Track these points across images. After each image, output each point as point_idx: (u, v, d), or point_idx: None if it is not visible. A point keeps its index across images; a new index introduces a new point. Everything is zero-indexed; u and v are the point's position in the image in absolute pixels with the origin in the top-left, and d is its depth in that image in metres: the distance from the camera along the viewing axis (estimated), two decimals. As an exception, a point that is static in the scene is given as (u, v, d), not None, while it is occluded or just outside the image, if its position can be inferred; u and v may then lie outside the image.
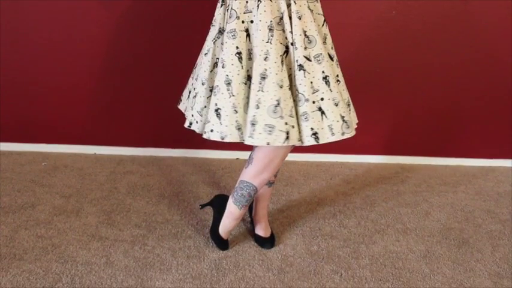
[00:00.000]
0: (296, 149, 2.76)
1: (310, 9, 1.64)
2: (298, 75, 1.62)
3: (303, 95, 1.62)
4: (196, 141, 2.58)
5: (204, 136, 1.69)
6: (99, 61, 2.64)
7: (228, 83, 1.63)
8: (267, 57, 1.60)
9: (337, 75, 1.77)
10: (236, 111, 1.63)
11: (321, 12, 1.71)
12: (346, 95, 1.81)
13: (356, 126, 1.83)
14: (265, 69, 1.60)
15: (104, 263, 1.87)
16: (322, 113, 1.63)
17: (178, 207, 2.29)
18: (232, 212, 1.91)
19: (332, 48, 1.76)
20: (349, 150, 2.84)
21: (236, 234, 2.09)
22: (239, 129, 1.65)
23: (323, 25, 1.71)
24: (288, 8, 1.61)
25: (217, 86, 1.65)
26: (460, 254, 2.04)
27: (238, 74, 1.63)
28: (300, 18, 1.61)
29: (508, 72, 2.71)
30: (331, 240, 2.08)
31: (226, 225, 1.95)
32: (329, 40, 1.74)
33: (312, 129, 1.63)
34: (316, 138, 1.63)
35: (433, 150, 2.88)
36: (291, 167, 2.74)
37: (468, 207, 2.41)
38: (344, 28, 2.62)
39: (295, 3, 1.61)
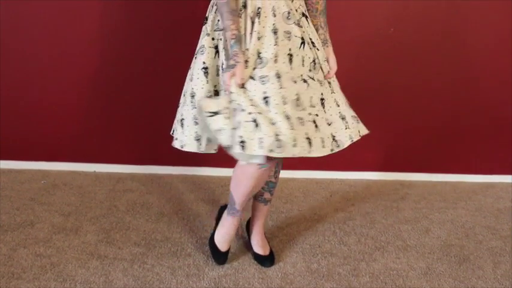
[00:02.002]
0: (295, 166, 2.76)
1: (274, 32, 1.66)
2: (240, 90, 1.65)
3: (240, 105, 1.62)
4: (196, 158, 2.57)
5: (172, 144, 1.83)
6: (98, 79, 2.65)
7: (193, 96, 1.73)
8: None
9: (322, 94, 1.77)
10: (196, 123, 1.73)
11: (299, 34, 1.71)
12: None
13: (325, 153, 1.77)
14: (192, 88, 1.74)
15: (103, 282, 1.85)
16: (257, 125, 1.59)
17: (178, 225, 2.28)
18: (223, 219, 1.98)
19: (311, 70, 1.74)
20: (348, 167, 2.84)
21: (236, 252, 2.08)
22: (198, 140, 1.74)
23: (300, 47, 1.71)
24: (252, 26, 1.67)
25: (184, 96, 1.77)
26: (461, 271, 2.03)
27: (202, 88, 1.72)
28: (258, 39, 1.66)
29: (506, 88, 2.73)
30: (331, 258, 2.07)
31: (220, 235, 1.99)
32: (307, 62, 1.73)
33: (240, 137, 1.58)
34: (243, 147, 1.58)
35: (432, 166, 2.88)
36: (290, 184, 2.73)
37: (468, 224, 2.41)
38: (342, 45, 2.62)
39: (259, 24, 1.65)
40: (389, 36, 2.62)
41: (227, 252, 2.01)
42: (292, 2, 1.71)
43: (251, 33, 1.66)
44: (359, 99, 2.70)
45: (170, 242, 2.13)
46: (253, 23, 1.66)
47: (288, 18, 1.68)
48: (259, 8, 1.66)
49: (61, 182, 2.65)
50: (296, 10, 1.71)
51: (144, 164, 2.80)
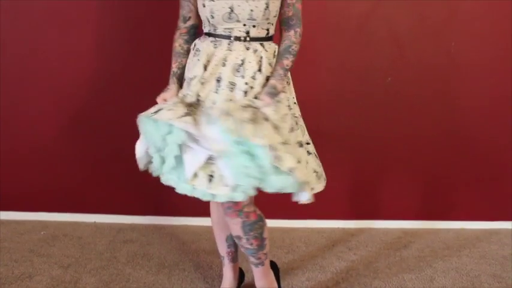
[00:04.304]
0: (295, 216, 2.75)
1: (217, 80, 1.71)
2: None
3: None
4: (197, 209, 2.56)
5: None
6: (98, 130, 2.69)
7: None
8: None
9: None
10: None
11: (243, 88, 1.70)
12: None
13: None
14: None
15: (102, 337, 1.82)
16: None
17: (179, 277, 2.24)
18: None
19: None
20: (349, 216, 2.82)
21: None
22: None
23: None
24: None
25: None
26: (468, 322, 1.99)
27: None
28: (202, 84, 1.72)
29: (506, 133, 2.74)
30: (334, 309, 2.03)
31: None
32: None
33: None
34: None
35: (434, 213, 2.86)
36: (291, 234, 2.71)
37: (473, 272, 2.37)
38: (340, 95, 2.68)
39: (207, 71, 1.72)
40: (386, 86, 2.67)
41: None
42: (254, 53, 1.73)
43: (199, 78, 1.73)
44: (359, 147, 2.74)
45: (170, 295, 2.10)
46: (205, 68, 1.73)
47: (237, 70, 1.71)
48: (211, 56, 1.74)
49: (61, 233, 2.63)
50: (258, 63, 1.72)
51: (144, 214, 2.79)
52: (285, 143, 1.62)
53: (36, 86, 2.64)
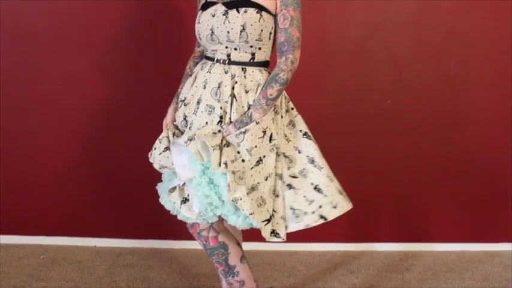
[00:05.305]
0: (296, 239, 2.72)
1: (197, 102, 1.74)
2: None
3: None
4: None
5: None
6: (98, 153, 2.69)
7: None
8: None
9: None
10: None
11: (219, 113, 1.70)
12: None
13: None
14: None
15: None
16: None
17: (179, 301, 2.23)
18: None
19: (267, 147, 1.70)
20: (350, 239, 2.81)
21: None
22: None
23: (218, 124, 1.69)
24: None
25: None
26: None
27: None
28: (185, 105, 1.78)
29: (507, 154, 2.74)
30: (336, 335, 2.01)
31: None
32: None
33: None
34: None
35: (436, 235, 2.84)
36: (293, 258, 2.69)
37: (477, 295, 2.35)
38: (340, 117, 2.69)
39: (189, 92, 1.78)
40: (386, 108, 2.68)
41: None
42: (231, 77, 1.70)
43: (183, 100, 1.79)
44: (358, 170, 2.74)
45: (170, 320, 2.08)
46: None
47: (215, 93, 1.70)
48: (196, 77, 1.78)
49: (60, 257, 2.62)
50: (233, 88, 1.69)
51: (144, 238, 2.78)
52: (242, 177, 1.62)
53: (35, 111, 2.65)
